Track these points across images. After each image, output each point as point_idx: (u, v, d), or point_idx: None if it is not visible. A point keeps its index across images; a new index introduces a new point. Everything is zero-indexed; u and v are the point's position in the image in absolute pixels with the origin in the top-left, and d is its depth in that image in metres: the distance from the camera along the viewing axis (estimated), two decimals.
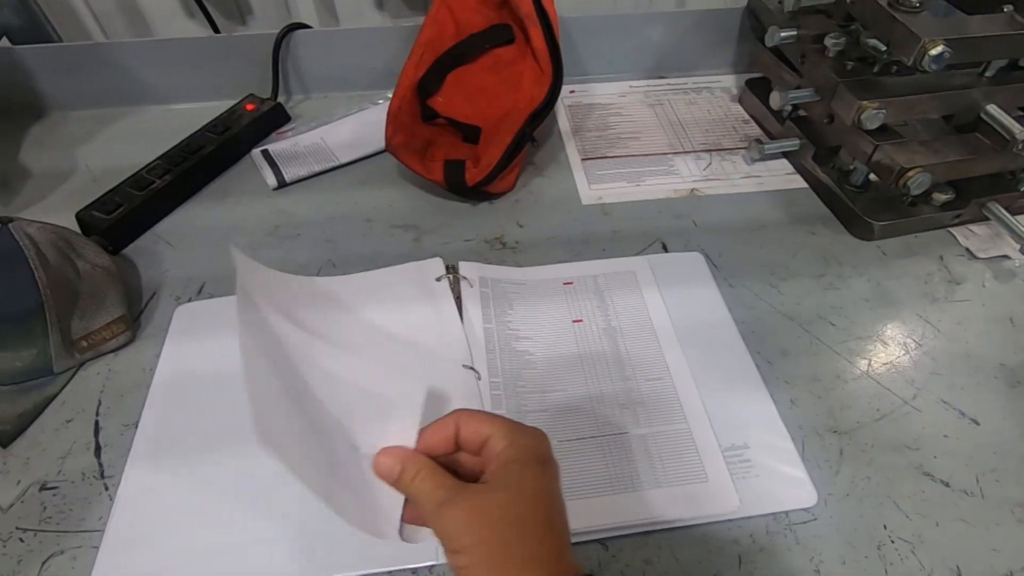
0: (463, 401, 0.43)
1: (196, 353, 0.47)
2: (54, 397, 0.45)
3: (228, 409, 0.44)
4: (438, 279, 0.50)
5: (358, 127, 0.66)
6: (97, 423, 0.44)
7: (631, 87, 0.74)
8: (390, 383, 0.33)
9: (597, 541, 0.38)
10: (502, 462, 0.27)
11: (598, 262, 0.54)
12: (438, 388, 0.44)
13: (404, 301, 0.49)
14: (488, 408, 0.43)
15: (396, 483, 0.29)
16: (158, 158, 0.60)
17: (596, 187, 0.62)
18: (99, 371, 0.47)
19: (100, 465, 0.42)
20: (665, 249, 0.56)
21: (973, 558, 0.38)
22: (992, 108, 0.52)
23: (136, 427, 0.43)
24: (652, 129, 0.68)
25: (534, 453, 0.28)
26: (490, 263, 0.54)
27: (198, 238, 0.56)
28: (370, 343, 0.45)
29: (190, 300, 0.51)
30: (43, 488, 0.40)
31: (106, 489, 0.40)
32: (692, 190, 0.61)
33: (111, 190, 0.56)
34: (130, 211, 0.55)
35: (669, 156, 0.65)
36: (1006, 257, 0.55)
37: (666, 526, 0.39)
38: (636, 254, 0.55)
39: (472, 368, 0.45)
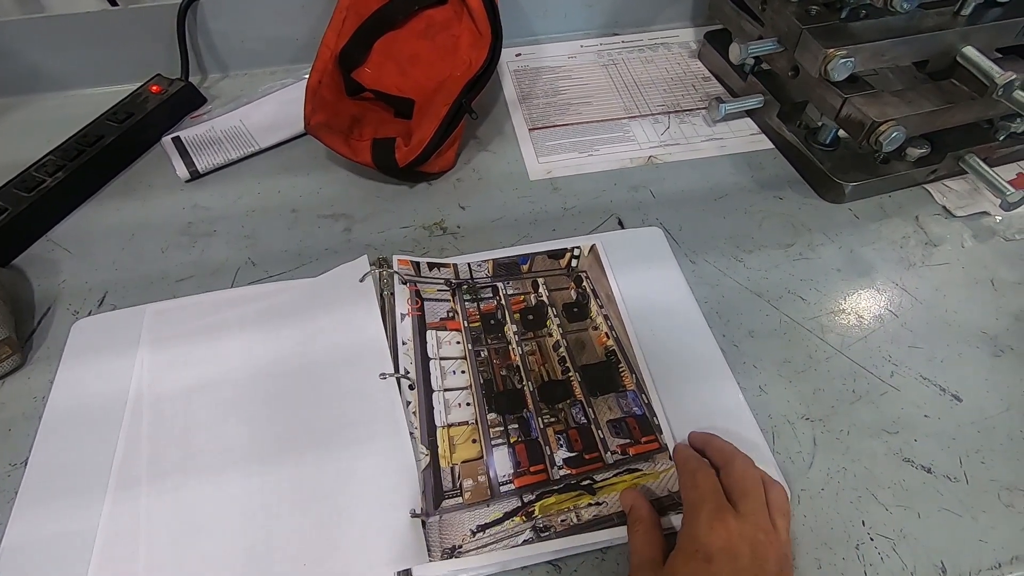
0: (385, 415, 0.39)
1: (96, 374, 0.42)
2: None
3: (134, 438, 0.39)
4: (362, 279, 0.45)
5: (280, 106, 0.59)
6: None
7: (582, 47, 0.68)
8: None
9: (548, 563, 0.34)
10: (675, 554, 0.31)
11: (545, 244, 0.49)
12: (358, 406, 0.39)
13: (325, 311, 0.44)
14: (415, 414, 0.39)
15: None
16: (49, 153, 0.53)
17: (545, 160, 0.56)
18: None
19: None
20: (621, 225, 0.51)
21: (959, 551, 0.35)
22: (969, 50, 0.48)
23: (25, 466, 0.38)
24: (605, 92, 0.63)
25: (702, 548, 0.30)
26: (428, 252, 0.48)
27: (99, 242, 0.50)
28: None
29: (90, 314, 0.45)
30: None
31: None
32: (649, 157, 0.56)
33: None
34: (17, 216, 0.49)
35: (624, 121, 0.60)
36: (985, 214, 0.51)
37: (624, 540, 0.35)
38: (590, 232, 0.50)
39: (398, 375, 0.40)
